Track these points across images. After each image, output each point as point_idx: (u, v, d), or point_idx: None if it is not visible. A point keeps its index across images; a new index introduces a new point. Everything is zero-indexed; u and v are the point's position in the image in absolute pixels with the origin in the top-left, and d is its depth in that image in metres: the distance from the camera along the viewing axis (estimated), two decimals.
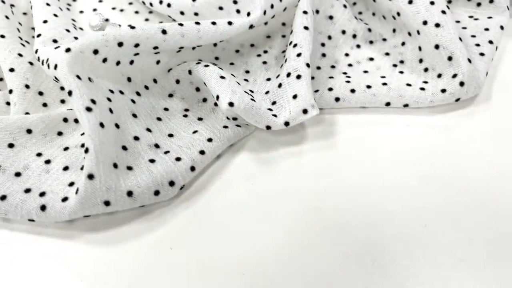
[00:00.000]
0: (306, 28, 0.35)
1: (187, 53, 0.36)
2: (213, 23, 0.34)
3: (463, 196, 0.30)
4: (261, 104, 0.32)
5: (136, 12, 0.45)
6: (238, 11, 0.39)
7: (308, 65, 0.33)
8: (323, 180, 0.31)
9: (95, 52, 0.30)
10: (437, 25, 0.35)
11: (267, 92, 0.35)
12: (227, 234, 0.28)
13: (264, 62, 0.39)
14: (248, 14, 0.37)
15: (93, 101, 0.28)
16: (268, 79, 0.37)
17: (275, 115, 0.32)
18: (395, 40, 0.39)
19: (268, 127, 0.32)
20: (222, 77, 0.32)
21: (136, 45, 0.31)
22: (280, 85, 0.33)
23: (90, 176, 0.26)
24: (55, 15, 0.40)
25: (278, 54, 0.40)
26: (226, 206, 0.30)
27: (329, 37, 0.40)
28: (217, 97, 0.31)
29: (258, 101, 0.32)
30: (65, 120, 0.33)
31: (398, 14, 0.37)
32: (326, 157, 0.32)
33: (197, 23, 0.33)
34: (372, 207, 0.29)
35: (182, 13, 0.40)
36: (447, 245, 0.27)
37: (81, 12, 0.45)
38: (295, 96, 0.32)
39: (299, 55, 0.33)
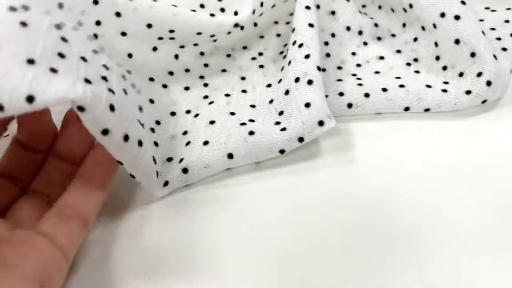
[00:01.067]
0: (311, 25, 0.31)
1: (171, 62, 0.32)
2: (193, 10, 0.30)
3: (495, 211, 0.25)
4: (267, 129, 0.28)
5: None
6: (222, 10, 0.35)
7: (319, 68, 0.29)
8: (338, 201, 0.27)
9: None
10: (457, 17, 0.30)
11: (271, 101, 0.30)
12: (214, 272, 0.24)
13: (261, 66, 0.35)
14: (236, 13, 0.33)
15: None
16: (269, 85, 0.32)
17: (284, 129, 0.27)
18: (406, 35, 0.35)
19: (282, 151, 0.28)
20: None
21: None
22: (287, 92, 0.29)
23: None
24: None
25: (275, 56, 0.35)
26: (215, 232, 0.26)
27: (333, 35, 0.36)
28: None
29: (263, 127, 0.28)
30: None
31: (411, 6, 0.33)
32: (344, 175, 0.28)
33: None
34: (387, 227, 0.25)
35: None
36: (477, 268, 0.23)
37: None
38: (307, 105, 0.27)
39: (307, 56, 0.29)
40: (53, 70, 0.19)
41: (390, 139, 0.30)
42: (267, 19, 0.36)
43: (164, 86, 0.33)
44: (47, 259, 0.20)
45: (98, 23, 0.28)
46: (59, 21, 0.22)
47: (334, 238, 0.25)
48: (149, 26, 0.29)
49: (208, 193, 0.28)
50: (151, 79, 0.32)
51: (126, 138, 0.23)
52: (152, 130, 0.29)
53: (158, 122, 0.30)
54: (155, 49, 0.31)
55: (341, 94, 0.31)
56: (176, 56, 0.33)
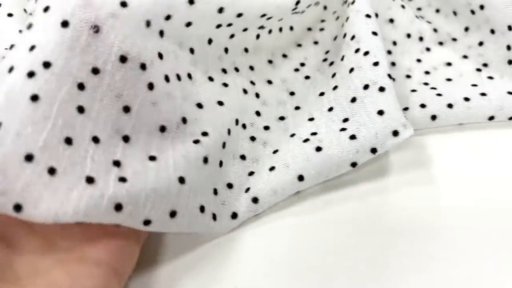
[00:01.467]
0: (374, 33, 0.29)
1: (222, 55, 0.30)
2: None
3: None
4: (334, 138, 0.26)
5: None
6: None
7: (390, 76, 0.27)
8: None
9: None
10: None
11: (330, 109, 0.28)
12: None
13: (307, 77, 0.33)
14: None
15: None
16: (322, 94, 0.30)
17: (352, 137, 0.25)
18: (469, 39, 0.33)
19: (354, 164, 0.26)
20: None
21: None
22: (354, 100, 0.27)
23: None
24: None
25: (318, 64, 0.33)
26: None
27: (394, 43, 0.34)
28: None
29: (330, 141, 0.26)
30: None
31: (482, 7, 0.31)
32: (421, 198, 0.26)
33: None
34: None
35: None
36: None
37: None
38: (380, 112, 0.25)
39: (376, 64, 0.27)
40: (52, 171, 0.18)
41: (472, 152, 0.28)
42: (301, 24, 0.35)
43: (225, 85, 0.29)
44: (117, 243, 0.20)
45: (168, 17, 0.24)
46: (85, 76, 0.20)
47: (416, 273, 0.23)
48: (220, 10, 0.26)
49: (275, 223, 0.26)
50: (211, 79, 0.29)
51: (146, 222, 0.20)
52: (224, 145, 0.26)
53: (229, 132, 0.27)
54: (210, 41, 0.28)
55: (422, 105, 0.28)
56: (226, 50, 0.30)
